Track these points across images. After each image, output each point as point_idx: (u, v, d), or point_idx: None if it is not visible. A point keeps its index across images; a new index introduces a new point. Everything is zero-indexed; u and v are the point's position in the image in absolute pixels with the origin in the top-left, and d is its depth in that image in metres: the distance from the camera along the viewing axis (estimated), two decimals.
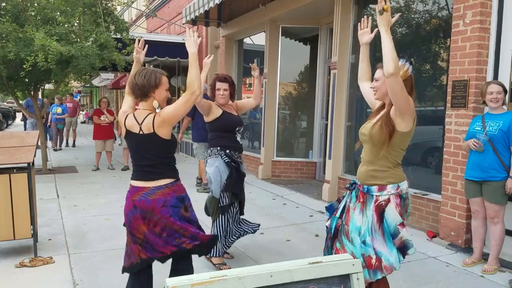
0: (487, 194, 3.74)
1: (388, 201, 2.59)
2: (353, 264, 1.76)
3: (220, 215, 3.86)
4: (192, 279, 1.55)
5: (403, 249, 2.62)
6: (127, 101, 2.88)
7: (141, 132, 2.61)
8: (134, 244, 2.65)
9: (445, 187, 4.55)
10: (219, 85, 3.94)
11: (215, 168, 3.82)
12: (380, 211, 2.59)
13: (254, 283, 1.59)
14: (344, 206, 2.78)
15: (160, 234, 2.61)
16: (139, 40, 3.12)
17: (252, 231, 4.10)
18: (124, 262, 2.74)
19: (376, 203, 2.60)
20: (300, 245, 4.60)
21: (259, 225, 4.21)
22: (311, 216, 5.76)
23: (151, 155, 2.63)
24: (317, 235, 4.89)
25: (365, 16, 2.77)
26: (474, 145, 3.74)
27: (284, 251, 4.39)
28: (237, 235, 4.01)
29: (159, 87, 2.65)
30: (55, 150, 12.95)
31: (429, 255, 4.26)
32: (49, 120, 13.03)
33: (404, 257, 2.62)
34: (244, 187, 4.14)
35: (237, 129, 3.96)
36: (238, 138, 4.01)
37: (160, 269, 2.92)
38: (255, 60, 4.18)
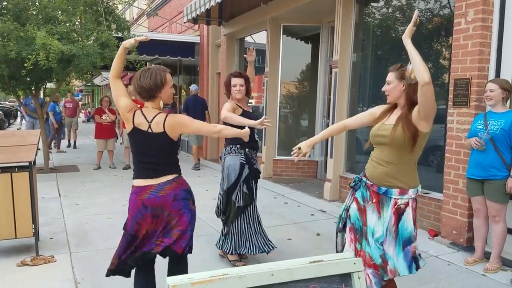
0: (488, 193, 3.73)
1: (407, 204, 2.61)
2: (354, 263, 1.75)
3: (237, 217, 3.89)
4: (192, 278, 1.54)
5: (416, 259, 2.64)
6: (125, 97, 2.72)
7: (149, 130, 2.63)
8: (128, 247, 2.67)
9: (446, 185, 4.54)
10: (234, 80, 3.94)
11: (232, 166, 3.85)
12: (399, 214, 2.60)
13: (255, 282, 1.59)
14: (349, 206, 2.79)
15: (161, 230, 2.64)
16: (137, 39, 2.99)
17: (266, 250, 3.96)
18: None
19: (396, 206, 2.60)
20: (301, 244, 4.60)
21: (274, 247, 4.04)
22: (313, 215, 5.75)
23: (157, 153, 2.65)
24: (318, 234, 4.89)
25: None
26: (476, 144, 3.73)
27: (285, 250, 4.38)
28: (252, 244, 3.91)
29: (165, 86, 2.65)
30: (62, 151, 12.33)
31: (430, 254, 4.25)
32: (54, 121, 12.30)
33: (417, 269, 2.63)
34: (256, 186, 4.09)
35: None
36: (256, 137, 4.04)
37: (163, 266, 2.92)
38: (253, 47, 4.26)
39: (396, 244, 2.60)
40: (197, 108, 9.28)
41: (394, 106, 2.73)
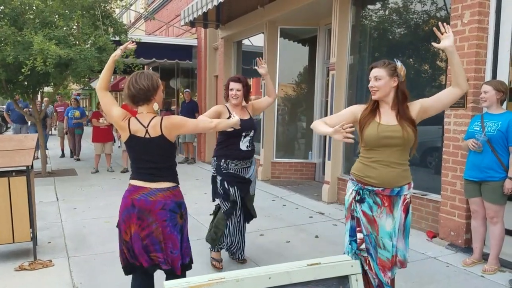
0: (486, 194, 3.74)
1: (411, 197, 2.77)
2: (352, 266, 1.76)
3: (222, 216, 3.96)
4: (190, 281, 1.55)
5: None
6: (116, 106, 2.75)
7: (147, 136, 2.61)
8: (123, 245, 2.71)
9: (444, 187, 4.55)
10: (232, 85, 3.91)
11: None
12: (407, 209, 2.69)
13: (253, 285, 1.59)
14: (359, 220, 2.70)
15: (143, 239, 2.61)
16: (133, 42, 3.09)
17: (240, 258, 4.05)
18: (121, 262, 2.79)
19: (405, 202, 2.67)
20: (300, 246, 4.59)
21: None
22: (311, 217, 5.75)
23: (156, 158, 2.64)
24: (316, 236, 4.89)
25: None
26: (473, 145, 3.74)
27: (283, 252, 4.38)
28: (230, 243, 3.96)
29: (158, 89, 2.68)
30: (77, 159, 11.56)
31: (429, 255, 4.25)
32: (65, 126, 11.89)
33: None
34: (250, 193, 3.99)
35: (243, 134, 3.79)
36: (246, 143, 3.86)
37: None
38: (260, 59, 4.32)
39: (405, 236, 2.70)
40: (189, 111, 10.35)
41: (376, 103, 2.71)
